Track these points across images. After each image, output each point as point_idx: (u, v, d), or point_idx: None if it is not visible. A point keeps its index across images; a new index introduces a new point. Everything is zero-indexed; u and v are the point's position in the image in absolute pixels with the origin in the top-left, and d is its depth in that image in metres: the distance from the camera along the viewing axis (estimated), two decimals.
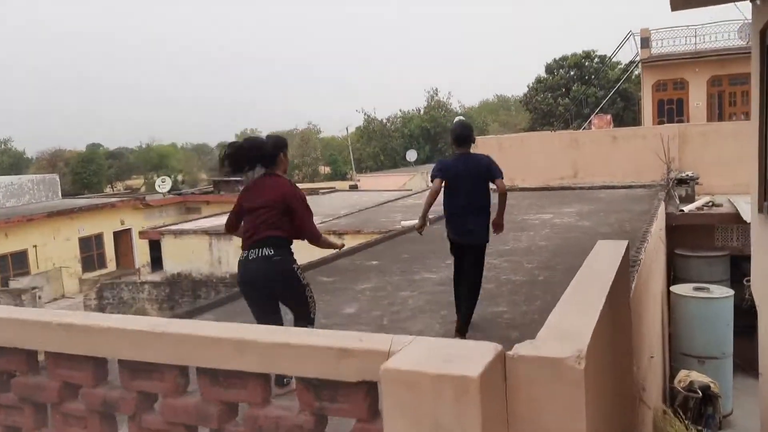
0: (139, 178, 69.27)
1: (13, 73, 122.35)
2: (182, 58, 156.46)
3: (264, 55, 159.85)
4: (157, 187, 28.35)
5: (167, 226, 18.98)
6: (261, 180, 4.08)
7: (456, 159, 5.16)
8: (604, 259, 2.97)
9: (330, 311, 5.96)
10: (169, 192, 28.87)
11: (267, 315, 3.93)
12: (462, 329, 4.92)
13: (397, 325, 5.40)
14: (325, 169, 65.37)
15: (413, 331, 5.19)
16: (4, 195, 26.79)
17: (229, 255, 16.29)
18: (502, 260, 7.44)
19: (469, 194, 5.06)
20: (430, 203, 5.20)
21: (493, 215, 5.26)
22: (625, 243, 3.41)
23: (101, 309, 18.26)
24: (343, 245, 5.07)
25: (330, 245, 4.60)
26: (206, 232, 16.63)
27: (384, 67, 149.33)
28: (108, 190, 62.84)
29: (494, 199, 5.23)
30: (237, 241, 12.31)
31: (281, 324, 3.91)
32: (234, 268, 14.90)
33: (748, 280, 7.62)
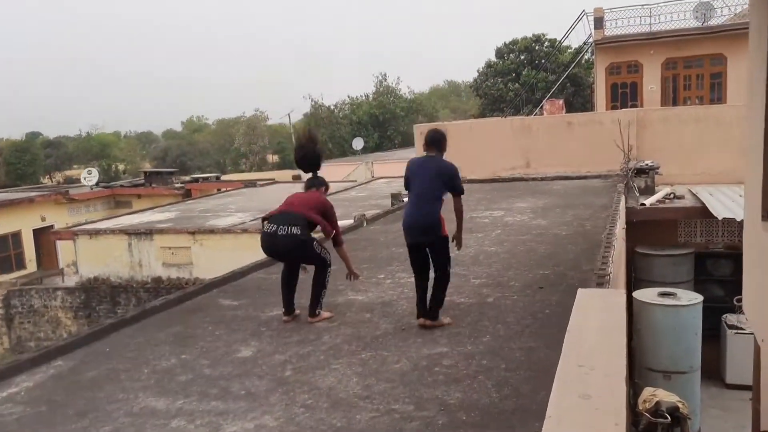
0: (80, 168, 66.06)
1: None
2: (122, 46, 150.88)
3: (210, 41, 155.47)
4: (83, 179, 26.18)
5: (81, 225, 17.17)
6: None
7: (420, 159, 5.14)
8: (601, 345, 1.70)
9: (220, 354, 4.59)
10: (97, 184, 26.78)
11: (291, 270, 5.21)
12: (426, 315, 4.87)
13: (303, 377, 4.07)
14: (273, 158, 63.39)
15: (322, 387, 3.88)
16: None
17: (150, 257, 14.68)
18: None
19: (421, 194, 4.87)
20: None
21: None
22: (621, 296, 2.17)
23: (9, 319, 16.42)
24: (357, 276, 5.59)
25: (346, 261, 5.39)
26: (125, 231, 14.94)
27: (332, 52, 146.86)
28: (46, 181, 59.78)
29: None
30: (158, 242, 10.47)
31: (296, 279, 5.25)
32: (156, 271, 13.19)
33: (739, 300, 6.60)
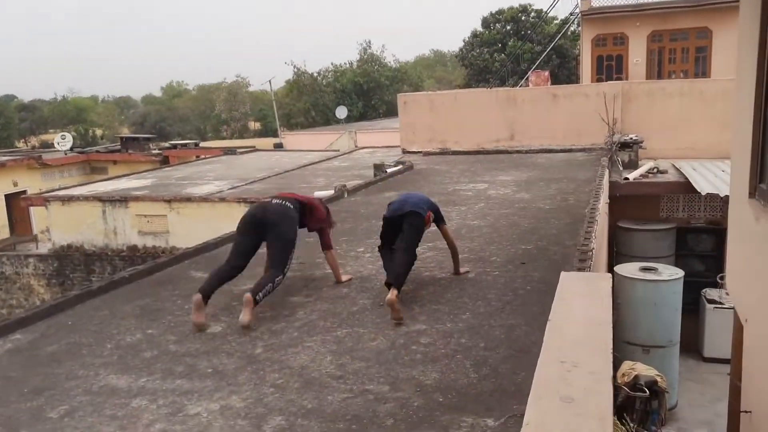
0: (56, 133, 64.78)
1: None
2: (105, 10, 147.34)
3: (189, 8, 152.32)
4: (56, 144, 25.52)
5: (54, 191, 16.73)
6: None
7: None
8: (586, 339, 1.52)
9: (188, 329, 4.39)
10: (71, 149, 26.13)
11: (244, 253, 4.79)
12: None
13: (274, 355, 3.90)
14: (255, 125, 62.62)
15: (294, 366, 3.71)
16: None
17: (125, 225, 14.34)
18: (426, 248, 6.00)
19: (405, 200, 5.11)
20: None
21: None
22: (607, 281, 2.00)
23: None
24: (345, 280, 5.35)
25: (334, 268, 5.30)
26: (99, 198, 14.56)
27: (315, 19, 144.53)
28: (21, 145, 58.68)
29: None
30: (134, 210, 10.17)
31: (244, 266, 4.79)
32: (131, 239, 12.88)
33: (722, 278, 6.51)
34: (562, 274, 2.06)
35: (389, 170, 12.17)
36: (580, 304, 1.77)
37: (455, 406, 3.13)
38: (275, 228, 4.78)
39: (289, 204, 4.93)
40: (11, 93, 78.40)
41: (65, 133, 27.26)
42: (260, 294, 4.46)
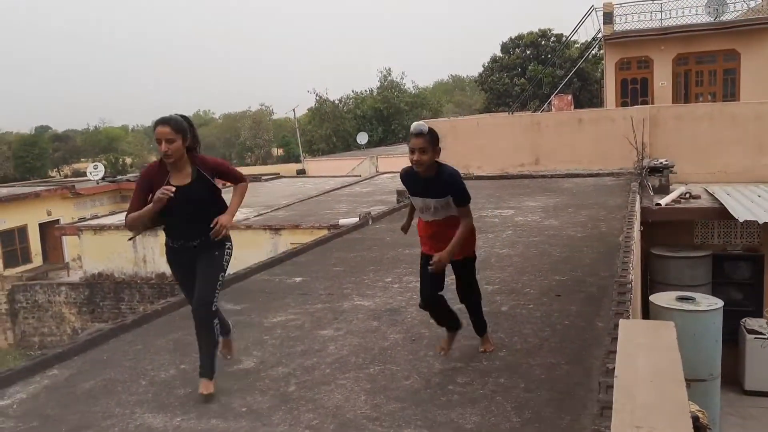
0: (88, 162, 66.22)
1: None
2: (132, 41, 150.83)
3: (215, 37, 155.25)
4: (89, 174, 26.01)
5: (86, 220, 17.00)
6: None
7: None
8: (659, 400, 1.45)
9: (221, 364, 4.33)
10: (103, 179, 26.62)
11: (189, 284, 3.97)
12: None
13: (308, 393, 3.83)
14: (278, 152, 63.46)
15: (328, 406, 3.64)
16: None
17: (154, 253, 14.50)
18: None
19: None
20: None
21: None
22: (672, 330, 1.91)
23: (14, 314, 16.29)
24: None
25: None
26: None
27: (337, 48, 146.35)
28: (54, 174, 60.05)
29: None
30: (163, 238, 9.98)
31: None
32: (160, 267, 13.04)
33: None
34: (621, 322, 1.97)
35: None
36: (647, 358, 1.68)
37: None
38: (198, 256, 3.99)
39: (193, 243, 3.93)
40: (45, 124, 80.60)
41: (98, 163, 27.79)
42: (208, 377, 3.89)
